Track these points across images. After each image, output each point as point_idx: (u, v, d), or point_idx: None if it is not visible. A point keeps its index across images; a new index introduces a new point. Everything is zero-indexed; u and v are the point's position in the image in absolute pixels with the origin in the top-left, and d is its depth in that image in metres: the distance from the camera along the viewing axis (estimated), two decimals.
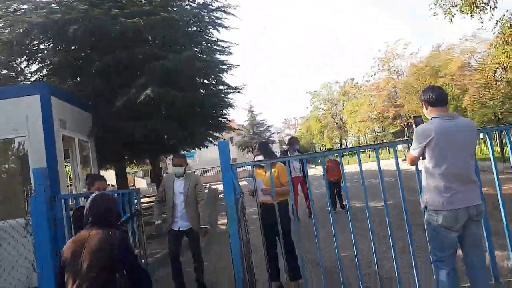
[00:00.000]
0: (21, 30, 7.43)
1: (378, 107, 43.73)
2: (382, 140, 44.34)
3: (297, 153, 8.35)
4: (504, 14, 10.62)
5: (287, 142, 9.57)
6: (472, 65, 34.77)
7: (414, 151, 2.95)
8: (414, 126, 3.18)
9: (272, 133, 52.84)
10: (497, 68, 10.69)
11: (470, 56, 34.79)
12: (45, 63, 7.68)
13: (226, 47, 8.93)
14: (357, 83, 54.16)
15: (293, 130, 78.25)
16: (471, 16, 9.84)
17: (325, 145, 59.87)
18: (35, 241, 3.13)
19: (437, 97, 2.96)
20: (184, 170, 4.79)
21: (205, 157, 42.87)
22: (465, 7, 9.68)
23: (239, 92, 8.77)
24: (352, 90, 54.12)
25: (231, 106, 9.09)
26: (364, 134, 56.19)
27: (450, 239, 2.88)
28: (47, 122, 5.78)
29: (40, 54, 7.92)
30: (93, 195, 2.70)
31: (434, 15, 10.71)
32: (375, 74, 45.38)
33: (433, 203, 2.86)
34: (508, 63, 9.78)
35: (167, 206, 4.75)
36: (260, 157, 4.46)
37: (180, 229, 4.67)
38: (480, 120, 23.81)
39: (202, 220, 4.72)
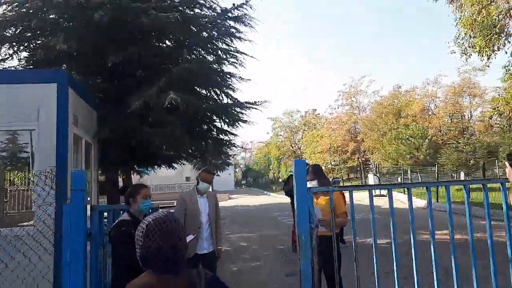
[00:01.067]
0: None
1: (339, 140, 44.79)
2: (338, 173, 45.15)
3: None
4: (509, 60, 11.06)
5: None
6: (432, 108, 36.95)
7: None
8: (508, 166, 2.67)
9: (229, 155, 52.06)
10: (493, 114, 10.97)
11: (430, 100, 37.06)
12: (56, 47, 6.46)
13: (239, 59, 8.27)
14: (319, 114, 55.50)
15: (248, 153, 77.99)
16: (488, 58, 10.13)
17: (281, 174, 60.03)
18: (63, 257, 2.60)
19: None
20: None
21: (160, 174, 41.23)
22: (484, 49, 9.93)
23: (256, 108, 8.08)
24: (313, 121, 55.29)
25: (244, 121, 8.35)
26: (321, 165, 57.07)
27: None
28: (62, 116, 4.82)
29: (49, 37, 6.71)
30: (148, 221, 1.51)
31: (452, 53, 11.01)
32: (338, 107, 46.83)
33: None
34: (508, 110, 10.01)
35: (190, 227, 4.16)
36: (314, 183, 3.97)
37: (203, 252, 4.25)
38: (455, 163, 25.10)
39: (219, 241, 4.50)
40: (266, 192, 45.09)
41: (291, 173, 8.51)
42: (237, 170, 73.17)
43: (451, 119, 34.25)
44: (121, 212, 3.57)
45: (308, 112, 57.80)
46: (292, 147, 59.90)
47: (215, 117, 7.91)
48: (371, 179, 21.99)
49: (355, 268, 2.59)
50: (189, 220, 4.24)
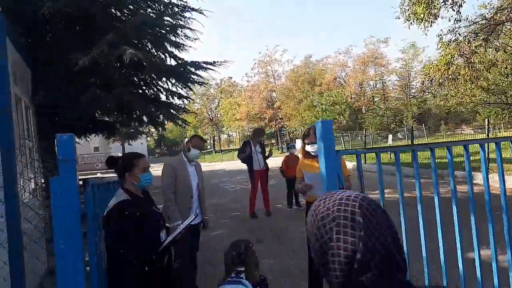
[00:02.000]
0: None
1: (256, 107, 45.37)
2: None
3: (259, 145, 7.70)
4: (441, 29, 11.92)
5: (252, 133, 8.73)
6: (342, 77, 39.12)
7: None
8: None
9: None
10: (424, 80, 11.83)
11: (341, 69, 39.12)
12: None
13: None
14: (235, 82, 55.33)
15: None
16: (431, 25, 10.72)
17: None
18: (56, 245, 2.03)
19: None
20: None
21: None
22: (424, 16, 10.45)
23: (212, 69, 7.37)
24: (230, 89, 55.04)
25: (200, 83, 7.65)
26: (238, 133, 57.76)
27: None
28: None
29: None
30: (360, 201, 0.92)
31: (397, 19, 11.44)
32: (254, 76, 47.18)
33: None
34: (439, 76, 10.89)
35: (181, 197, 3.86)
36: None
37: (195, 222, 3.71)
38: (377, 127, 27.07)
39: (205, 211, 4.19)
40: None
41: (246, 140, 8.30)
42: (148, 138, 70.14)
43: (360, 87, 36.71)
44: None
45: (223, 80, 57.22)
46: (209, 115, 59.25)
47: (166, 79, 7.13)
48: (299, 144, 22.78)
49: None
50: (180, 189, 3.85)
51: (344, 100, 29.40)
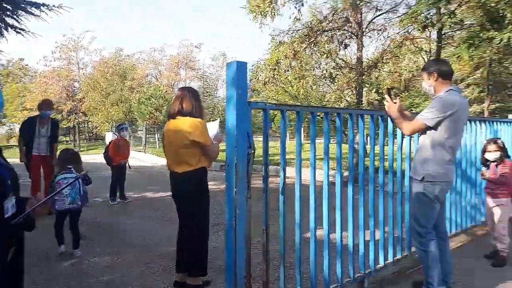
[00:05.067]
0: None
1: (52, 96, 39.22)
2: None
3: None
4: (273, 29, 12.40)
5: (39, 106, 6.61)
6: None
7: (432, 120, 2.87)
8: (387, 97, 3.16)
9: None
10: (253, 77, 12.26)
11: (155, 67, 37.98)
12: None
13: None
14: (27, 65, 46.87)
15: None
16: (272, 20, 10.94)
17: None
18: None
19: (450, 71, 3.03)
20: None
21: None
22: (263, 12, 10.60)
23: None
24: (20, 72, 46.26)
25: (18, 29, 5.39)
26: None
27: (437, 211, 3.07)
28: None
29: None
30: None
31: (248, 14, 11.30)
32: (54, 61, 40.87)
33: (436, 174, 2.93)
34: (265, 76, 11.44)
35: None
36: None
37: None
38: None
39: None
40: None
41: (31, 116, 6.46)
42: None
43: (172, 88, 36.45)
44: None
45: (11, 61, 47.32)
46: None
47: None
48: (109, 137, 20.66)
49: None
50: None
51: (163, 95, 28.32)
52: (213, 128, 3.48)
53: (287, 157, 2.66)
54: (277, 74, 12.36)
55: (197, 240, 3.35)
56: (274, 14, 11.36)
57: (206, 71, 40.85)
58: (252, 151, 2.37)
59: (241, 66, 2.20)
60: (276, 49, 12.57)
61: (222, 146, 3.02)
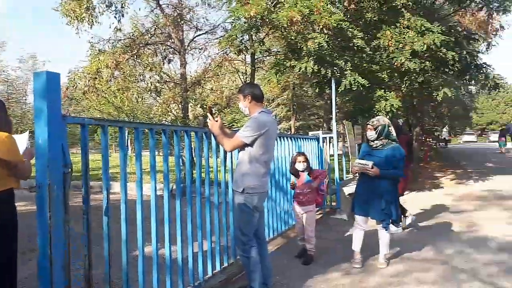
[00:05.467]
0: None
1: None
2: None
3: None
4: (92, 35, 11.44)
5: None
6: None
7: (248, 138, 3.16)
8: (210, 115, 3.32)
9: None
10: (70, 85, 11.09)
11: None
12: None
13: None
14: None
15: None
16: (91, 27, 9.89)
17: None
18: None
19: (262, 94, 3.40)
20: None
21: None
22: (84, 17, 9.55)
23: None
24: None
25: None
26: None
27: (257, 218, 3.38)
28: None
29: None
30: None
31: (61, 18, 9.91)
32: None
33: (254, 186, 3.22)
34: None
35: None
36: None
37: None
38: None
39: None
40: None
41: None
42: None
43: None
44: None
45: None
46: None
47: None
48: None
49: None
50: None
51: None
52: (22, 141, 2.97)
53: (112, 171, 2.51)
54: (98, 84, 11.58)
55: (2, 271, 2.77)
56: (93, 21, 10.61)
57: (11, 73, 34.69)
58: (69, 170, 2.14)
59: (53, 78, 1.97)
60: (96, 57, 11.78)
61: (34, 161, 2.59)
